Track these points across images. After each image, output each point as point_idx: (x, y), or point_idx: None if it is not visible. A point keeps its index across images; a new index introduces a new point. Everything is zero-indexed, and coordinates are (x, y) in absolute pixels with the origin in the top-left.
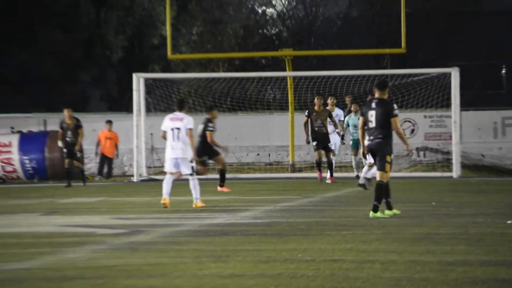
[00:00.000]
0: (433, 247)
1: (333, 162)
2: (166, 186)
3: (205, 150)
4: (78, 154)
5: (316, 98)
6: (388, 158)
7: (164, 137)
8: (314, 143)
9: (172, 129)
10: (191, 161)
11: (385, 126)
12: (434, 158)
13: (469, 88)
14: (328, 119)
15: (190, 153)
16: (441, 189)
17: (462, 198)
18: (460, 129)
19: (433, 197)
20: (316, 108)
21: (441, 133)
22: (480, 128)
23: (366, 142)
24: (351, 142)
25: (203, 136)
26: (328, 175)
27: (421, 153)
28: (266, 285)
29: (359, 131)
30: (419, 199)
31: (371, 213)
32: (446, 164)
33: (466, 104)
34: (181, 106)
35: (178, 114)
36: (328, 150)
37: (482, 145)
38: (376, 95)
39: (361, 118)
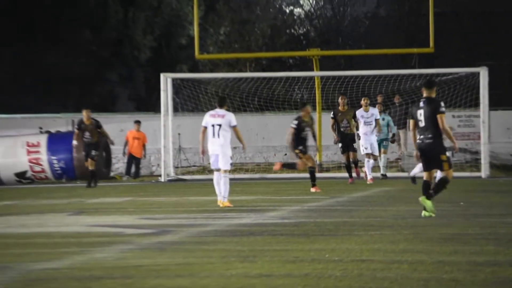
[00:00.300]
0: (461, 248)
1: (371, 163)
2: (218, 187)
3: (298, 143)
4: (93, 153)
5: (340, 98)
6: (443, 157)
7: (204, 133)
8: (340, 145)
9: (213, 125)
10: (231, 158)
11: (434, 124)
12: (462, 158)
13: (498, 87)
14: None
15: (229, 150)
16: (469, 189)
17: (490, 198)
18: (488, 129)
19: (462, 197)
20: (340, 108)
21: (470, 133)
22: (509, 128)
23: (417, 141)
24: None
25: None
26: (354, 173)
27: (450, 153)
28: (294, 285)
29: (411, 133)
30: (447, 199)
31: (421, 198)
32: (475, 164)
33: (495, 103)
34: (222, 103)
35: (219, 110)
36: (353, 150)
37: (510, 145)
38: (424, 94)
39: (411, 121)
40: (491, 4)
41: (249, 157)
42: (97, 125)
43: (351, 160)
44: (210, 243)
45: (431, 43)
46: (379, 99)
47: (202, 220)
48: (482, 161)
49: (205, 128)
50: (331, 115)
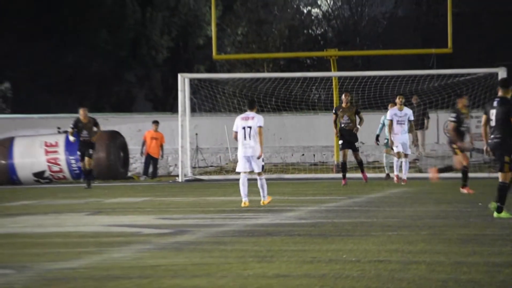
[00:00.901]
0: (479, 248)
1: (402, 163)
2: (243, 188)
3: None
4: (91, 151)
5: (344, 95)
6: (506, 159)
7: (236, 138)
8: (340, 142)
9: (244, 128)
10: (258, 158)
11: (504, 125)
12: (481, 158)
13: None
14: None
15: (259, 151)
16: (488, 190)
17: (509, 199)
18: None
19: (480, 198)
20: (343, 105)
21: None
22: None
23: (488, 141)
24: (385, 141)
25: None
26: (360, 174)
27: (468, 154)
28: (311, 285)
29: (482, 128)
30: (465, 199)
31: (495, 214)
32: (493, 164)
33: None
34: (252, 105)
35: (249, 113)
36: (355, 150)
37: None
38: (499, 93)
39: (483, 116)
40: (509, 3)
41: (267, 157)
42: (95, 123)
43: (356, 161)
44: (228, 243)
45: (449, 44)
46: (414, 99)
47: (220, 220)
48: None
49: (236, 132)
50: (333, 111)
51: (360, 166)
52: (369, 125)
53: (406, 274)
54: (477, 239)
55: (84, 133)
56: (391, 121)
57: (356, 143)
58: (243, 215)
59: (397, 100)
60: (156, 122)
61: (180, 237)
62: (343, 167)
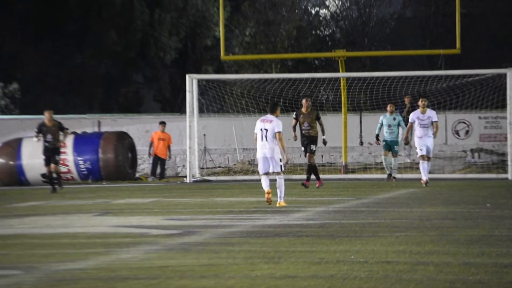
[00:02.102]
0: (488, 249)
1: (426, 166)
2: (265, 183)
3: None
4: (57, 158)
5: (304, 100)
6: None
7: (256, 140)
8: (302, 149)
9: (261, 129)
10: (281, 161)
11: None
12: (489, 159)
13: None
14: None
15: (279, 153)
16: (496, 190)
17: None
18: None
19: (488, 198)
20: (303, 110)
21: (496, 134)
22: None
23: None
24: (383, 143)
25: None
26: (314, 179)
27: (476, 154)
28: (319, 286)
29: None
30: (473, 200)
31: None
32: (501, 165)
33: None
34: (273, 109)
35: (269, 116)
36: (310, 152)
37: None
38: None
39: None
40: None
41: None
42: (60, 127)
43: (308, 162)
44: (235, 244)
45: (458, 44)
46: (407, 100)
47: (227, 221)
48: (509, 163)
49: (256, 134)
50: (294, 116)
51: (312, 169)
52: (377, 127)
53: (414, 275)
54: (486, 240)
55: (49, 137)
56: (412, 124)
57: (312, 146)
58: (251, 216)
59: (420, 103)
60: (163, 123)
61: (188, 238)
62: (308, 170)
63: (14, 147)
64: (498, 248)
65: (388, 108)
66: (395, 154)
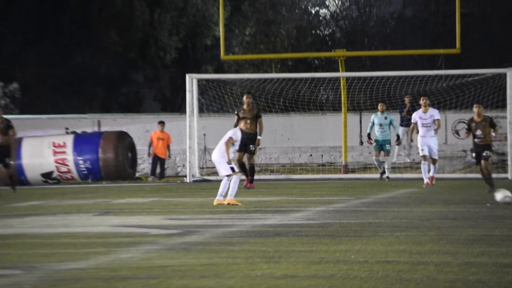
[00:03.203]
0: (488, 249)
1: (427, 167)
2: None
3: None
4: (7, 160)
5: (245, 96)
6: None
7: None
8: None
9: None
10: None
11: None
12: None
13: None
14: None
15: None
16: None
17: None
18: None
19: (488, 198)
20: (245, 107)
21: (496, 134)
22: None
23: None
24: (374, 142)
25: None
26: (246, 179)
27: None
28: (319, 286)
29: None
30: (473, 200)
31: None
32: (501, 165)
33: None
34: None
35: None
36: (249, 153)
37: None
38: None
39: None
40: None
41: (274, 158)
42: (8, 125)
43: (246, 163)
44: (235, 244)
45: (458, 44)
46: (407, 99)
47: (227, 221)
48: (509, 162)
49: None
50: (235, 113)
51: (250, 172)
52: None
53: (414, 275)
54: (486, 239)
55: None
56: (415, 124)
57: (251, 146)
58: (251, 215)
59: (421, 102)
60: (161, 123)
61: (188, 238)
62: (242, 168)
63: (14, 147)
64: (498, 248)
65: (379, 107)
66: (387, 153)
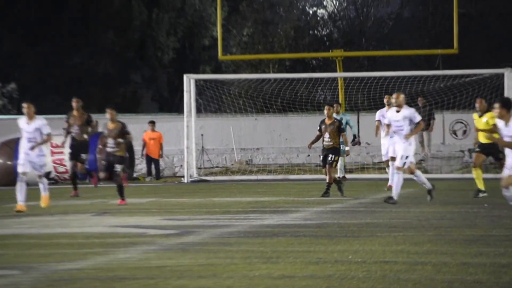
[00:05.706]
0: (486, 249)
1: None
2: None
3: None
4: (83, 156)
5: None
6: None
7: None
8: (69, 151)
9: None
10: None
11: None
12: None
13: None
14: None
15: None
16: (494, 190)
17: None
18: None
19: (486, 198)
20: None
21: None
22: None
23: None
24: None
25: None
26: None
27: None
28: (317, 286)
29: None
30: (471, 200)
31: None
32: (499, 165)
33: None
34: None
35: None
36: (80, 161)
37: None
38: None
39: None
40: None
41: (272, 158)
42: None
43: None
44: (233, 244)
45: (455, 44)
46: (420, 101)
47: (225, 221)
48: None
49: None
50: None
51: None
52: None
53: (412, 275)
54: (483, 240)
55: None
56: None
57: (83, 155)
58: (249, 216)
59: (385, 100)
60: (152, 122)
61: (186, 238)
62: (73, 176)
63: (11, 147)
64: (496, 248)
65: (334, 107)
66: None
